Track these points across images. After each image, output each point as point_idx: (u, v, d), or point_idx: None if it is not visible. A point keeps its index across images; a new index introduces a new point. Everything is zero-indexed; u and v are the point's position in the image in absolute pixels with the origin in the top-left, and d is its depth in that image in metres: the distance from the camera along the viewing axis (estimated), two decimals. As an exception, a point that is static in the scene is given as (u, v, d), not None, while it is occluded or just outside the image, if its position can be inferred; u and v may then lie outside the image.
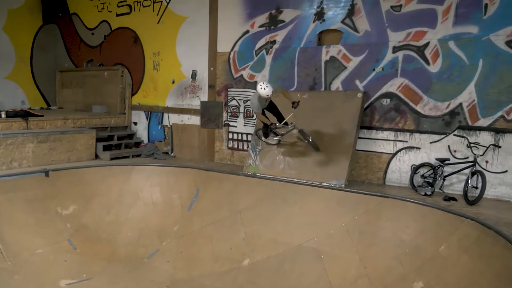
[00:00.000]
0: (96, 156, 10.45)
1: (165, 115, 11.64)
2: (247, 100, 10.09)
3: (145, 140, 12.01)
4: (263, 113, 7.99)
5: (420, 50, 7.96)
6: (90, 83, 13.21)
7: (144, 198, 8.89)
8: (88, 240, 7.96)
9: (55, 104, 14.14)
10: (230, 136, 10.46)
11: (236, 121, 10.34)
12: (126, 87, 12.29)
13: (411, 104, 8.09)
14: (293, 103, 7.64)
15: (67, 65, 14.40)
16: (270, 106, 7.92)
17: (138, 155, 11.06)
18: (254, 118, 9.91)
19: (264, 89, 7.30)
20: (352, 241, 6.91)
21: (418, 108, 8.03)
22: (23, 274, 6.83)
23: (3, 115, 9.99)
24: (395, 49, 8.20)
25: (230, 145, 10.50)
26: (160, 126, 11.75)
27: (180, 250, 7.78)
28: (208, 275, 7.10)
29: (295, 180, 8.20)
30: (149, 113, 11.99)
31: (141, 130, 12.15)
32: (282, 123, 8.11)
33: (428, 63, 7.91)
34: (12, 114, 10.09)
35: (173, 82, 11.44)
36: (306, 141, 8.26)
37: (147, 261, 7.65)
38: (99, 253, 7.76)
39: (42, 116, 10.61)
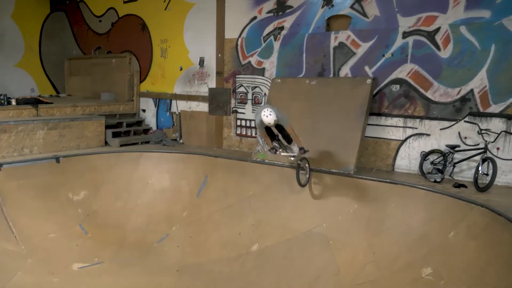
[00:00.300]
0: (106, 143, 10.51)
1: (173, 102, 11.64)
2: (255, 87, 10.07)
3: (154, 127, 12.04)
4: (271, 132, 7.37)
5: (431, 36, 7.85)
6: (98, 70, 13.22)
7: (153, 185, 8.98)
8: (99, 226, 8.09)
9: (64, 92, 14.20)
10: (238, 122, 10.46)
11: (244, 108, 10.33)
12: (134, 74, 12.29)
13: (421, 90, 8.01)
14: (301, 149, 7.09)
15: (75, 53, 14.43)
16: (278, 126, 7.21)
17: (147, 142, 11.11)
18: (262, 105, 9.88)
19: (267, 116, 6.66)
20: (361, 228, 6.95)
21: (428, 94, 7.94)
22: (36, 257, 6.99)
23: (14, 103, 10.05)
24: (405, 35, 8.09)
25: (238, 132, 10.50)
26: (168, 113, 11.77)
27: (189, 236, 7.87)
28: (217, 260, 7.19)
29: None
30: (157, 100, 12.01)
31: (150, 117, 12.18)
32: (286, 154, 7.45)
33: (438, 48, 7.80)
34: (22, 102, 10.15)
35: (181, 69, 11.42)
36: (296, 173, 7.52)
37: (156, 246, 7.76)
38: (110, 238, 7.89)
39: (52, 103, 10.67)
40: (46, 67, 14.26)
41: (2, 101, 9.99)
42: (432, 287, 5.52)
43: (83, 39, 14.20)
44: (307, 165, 7.63)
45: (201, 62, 10.99)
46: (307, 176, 7.62)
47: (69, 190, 8.44)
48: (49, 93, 13.86)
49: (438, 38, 7.77)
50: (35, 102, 10.30)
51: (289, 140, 7.31)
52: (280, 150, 7.40)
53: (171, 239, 7.86)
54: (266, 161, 8.69)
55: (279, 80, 9.52)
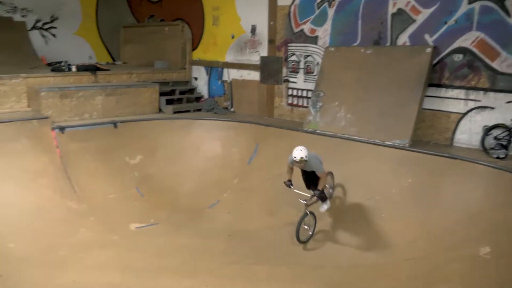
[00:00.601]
0: (160, 110, 10.78)
1: (225, 70, 11.67)
2: (308, 56, 9.88)
3: (205, 95, 12.18)
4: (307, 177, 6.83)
5: (500, 0, 7.27)
6: (151, 38, 13.42)
7: (205, 151, 9.20)
8: (153, 189, 8.45)
9: (119, 59, 14.60)
10: (290, 92, 10.35)
11: (296, 77, 10.18)
12: (187, 42, 12.40)
13: (486, 60, 7.51)
14: (316, 191, 6.50)
15: (130, 21, 14.72)
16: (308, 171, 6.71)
17: (199, 110, 11.28)
18: (314, 74, 9.72)
19: (296, 150, 6.31)
20: (415, 202, 6.78)
21: (495, 64, 7.44)
22: (97, 216, 7.44)
23: (74, 69, 10.49)
24: (471, 0, 7.56)
25: (289, 101, 10.41)
26: (220, 82, 11.85)
27: (240, 202, 8.03)
28: (266, 228, 7.30)
29: (356, 138, 8.06)
30: (209, 68, 12.09)
31: (202, 85, 12.32)
32: (298, 192, 6.69)
33: (509, 14, 7.21)
34: (82, 68, 10.57)
35: (233, 37, 11.37)
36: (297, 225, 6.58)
37: (208, 210, 8.00)
38: (163, 201, 8.24)
39: (109, 70, 11.04)
40: (102, 35, 14.65)
41: (64, 68, 10.46)
42: (490, 266, 5.32)
43: (137, 7, 14.42)
44: (313, 221, 6.79)
45: (253, 30, 10.88)
46: (310, 233, 6.79)
47: (126, 154, 8.83)
48: (106, 61, 14.30)
49: (509, 3, 7.19)
50: (93, 69, 10.69)
51: (314, 186, 6.69)
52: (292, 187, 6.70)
53: (222, 205, 8.06)
54: (317, 131, 8.62)
55: (332, 49, 9.28)
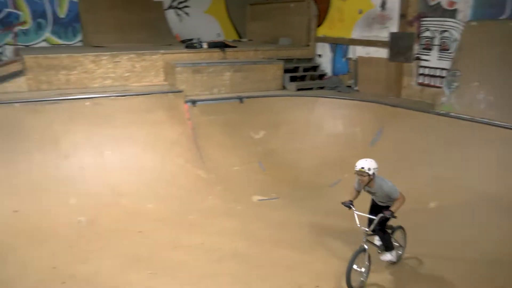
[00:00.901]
0: (283, 87, 10.93)
1: (350, 47, 11.28)
2: (444, 31, 9.04)
3: (329, 73, 11.98)
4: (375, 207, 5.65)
5: None
6: (277, 15, 13.54)
7: (327, 129, 9.17)
8: (275, 164, 8.71)
9: (245, 36, 15.07)
10: (421, 71, 9.63)
11: (429, 54, 9.41)
12: (312, 19, 12.24)
13: None
14: (387, 210, 5.16)
15: (256, -2, 15.03)
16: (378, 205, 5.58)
17: (322, 87, 11.16)
18: (450, 51, 8.89)
19: (361, 160, 5.23)
20: None
21: None
22: (223, 186, 7.96)
23: (205, 46, 11.12)
24: None
25: (420, 81, 9.70)
26: (344, 59, 11.51)
27: (362, 184, 7.84)
28: (388, 212, 7.03)
29: (497, 123, 7.23)
30: (334, 45, 11.79)
31: (325, 63, 12.09)
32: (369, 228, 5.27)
33: None
34: (212, 45, 11.18)
35: (360, 12, 10.88)
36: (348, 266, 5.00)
37: (329, 189, 7.97)
38: (284, 176, 8.44)
39: (236, 47, 11.47)
40: (230, 13, 15.21)
41: (196, 45, 11.15)
42: None
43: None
44: (367, 262, 5.15)
45: (383, 4, 10.27)
46: (362, 279, 5.13)
47: (250, 129, 9.20)
48: (233, 38, 14.86)
49: None
50: (222, 45, 11.21)
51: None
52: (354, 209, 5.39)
53: (344, 184, 7.90)
54: (451, 113, 7.93)
55: (474, 23, 8.34)
